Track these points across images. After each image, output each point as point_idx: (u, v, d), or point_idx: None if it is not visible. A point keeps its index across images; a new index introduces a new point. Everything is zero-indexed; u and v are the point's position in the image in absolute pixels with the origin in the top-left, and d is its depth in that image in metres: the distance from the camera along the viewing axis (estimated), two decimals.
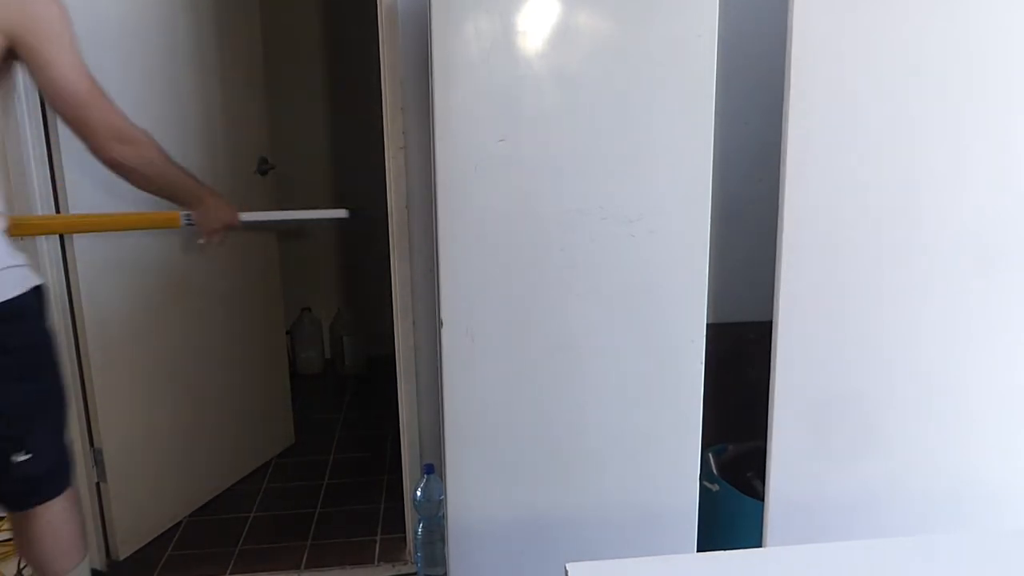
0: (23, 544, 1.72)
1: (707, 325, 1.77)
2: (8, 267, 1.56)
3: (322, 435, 3.27)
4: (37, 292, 1.62)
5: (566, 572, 1.05)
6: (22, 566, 2.34)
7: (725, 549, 1.16)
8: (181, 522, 2.59)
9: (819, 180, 1.66)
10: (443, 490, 1.83)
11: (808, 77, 1.62)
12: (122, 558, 2.38)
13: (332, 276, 4.20)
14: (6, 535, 2.49)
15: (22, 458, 1.60)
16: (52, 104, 1.64)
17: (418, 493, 2.23)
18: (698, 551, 1.86)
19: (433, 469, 2.22)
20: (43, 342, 1.66)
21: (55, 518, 1.70)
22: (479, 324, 1.73)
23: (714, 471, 2.14)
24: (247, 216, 2.12)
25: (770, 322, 1.73)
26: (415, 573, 2.30)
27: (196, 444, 2.64)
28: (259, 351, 2.94)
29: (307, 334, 4.01)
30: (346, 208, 2.26)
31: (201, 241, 2.05)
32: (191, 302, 2.58)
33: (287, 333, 3.62)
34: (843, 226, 1.69)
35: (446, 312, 1.72)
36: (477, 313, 1.72)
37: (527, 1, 1.62)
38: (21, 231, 1.91)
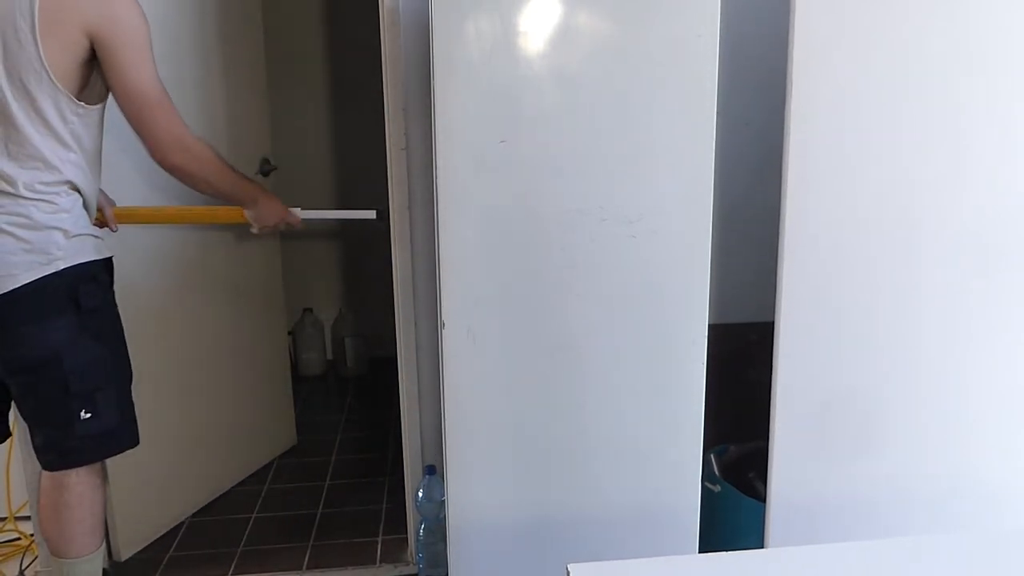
0: (51, 517, 1.80)
1: (709, 326, 1.77)
2: (88, 234, 1.75)
3: (324, 436, 3.27)
4: (108, 264, 1.81)
5: (568, 573, 1.06)
6: (24, 567, 2.34)
7: (727, 550, 1.16)
8: (183, 523, 2.59)
9: (821, 180, 1.67)
10: (444, 491, 1.83)
11: (810, 77, 1.62)
12: (124, 559, 2.39)
13: (334, 277, 4.20)
14: (9, 536, 2.49)
15: (85, 416, 1.73)
16: (121, 106, 1.73)
17: (419, 494, 2.23)
18: (700, 552, 1.86)
19: (434, 470, 2.22)
20: (110, 310, 1.82)
21: (89, 491, 1.80)
22: (480, 325, 1.73)
23: (716, 472, 2.14)
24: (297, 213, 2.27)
25: (772, 323, 1.73)
26: (417, 574, 2.30)
27: (198, 445, 2.64)
28: (261, 352, 2.94)
29: (309, 335, 4.01)
30: (374, 209, 2.33)
31: (254, 231, 2.20)
32: (192, 303, 2.58)
33: (289, 334, 3.62)
34: (844, 227, 1.69)
35: (447, 313, 1.72)
36: (478, 314, 1.72)
37: (528, 2, 1.62)
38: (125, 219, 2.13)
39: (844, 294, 1.72)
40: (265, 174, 2.86)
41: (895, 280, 1.72)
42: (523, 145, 1.67)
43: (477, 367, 1.75)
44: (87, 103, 1.69)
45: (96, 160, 1.78)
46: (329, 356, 4.15)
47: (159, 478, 2.49)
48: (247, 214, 2.12)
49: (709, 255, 1.74)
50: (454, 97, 1.64)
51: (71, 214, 1.70)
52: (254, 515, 2.64)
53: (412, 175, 2.16)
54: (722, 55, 1.66)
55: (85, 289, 1.72)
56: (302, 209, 2.34)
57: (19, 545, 2.45)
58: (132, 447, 1.87)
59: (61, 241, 1.68)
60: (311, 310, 4.02)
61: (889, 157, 1.67)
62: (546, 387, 1.78)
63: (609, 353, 1.77)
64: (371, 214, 2.33)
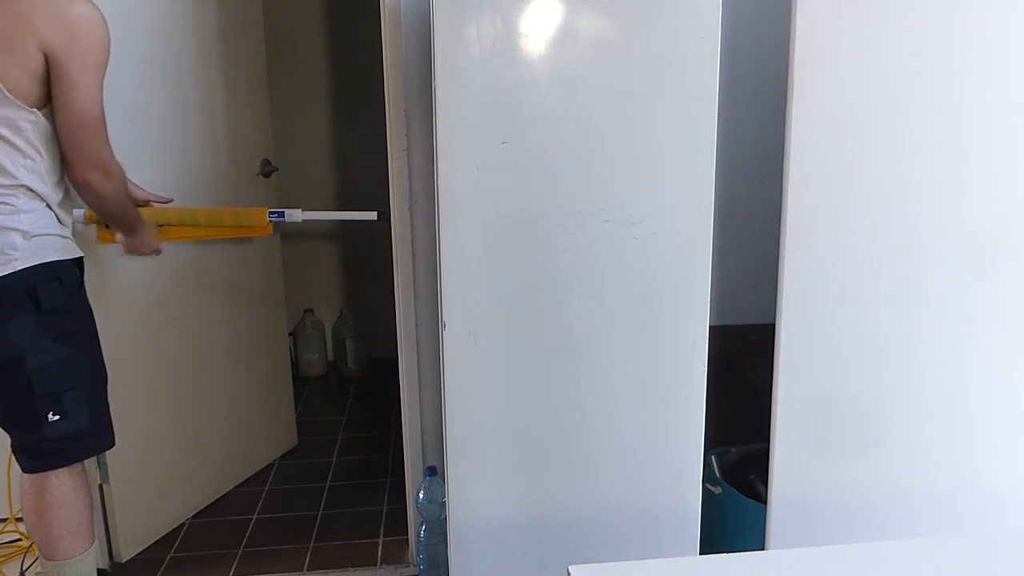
0: (35, 520, 1.80)
1: (710, 327, 1.77)
2: (52, 234, 1.73)
3: (324, 437, 3.27)
4: (78, 264, 1.80)
5: (568, 574, 1.06)
6: (24, 568, 2.34)
7: (727, 552, 1.16)
8: (184, 524, 2.59)
9: (821, 182, 1.67)
10: (445, 492, 1.83)
11: (811, 79, 1.62)
12: (125, 560, 2.39)
13: (335, 278, 4.20)
14: (10, 536, 2.49)
15: (53, 418, 1.72)
16: (58, 118, 1.70)
17: (420, 495, 2.23)
18: (700, 554, 1.86)
19: (435, 471, 2.22)
20: (79, 310, 1.80)
21: (70, 493, 1.80)
22: (481, 326, 1.73)
23: (716, 473, 2.14)
24: (290, 215, 2.30)
25: (773, 324, 1.73)
26: (417, 575, 2.30)
27: (199, 446, 2.64)
28: (262, 353, 2.94)
29: (310, 336, 4.01)
30: (375, 211, 2.33)
31: (123, 252, 2.15)
32: (193, 304, 2.58)
33: (289, 335, 3.62)
34: (845, 228, 1.69)
35: (448, 314, 1.72)
36: (479, 315, 1.72)
37: (529, 3, 1.62)
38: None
39: (845, 295, 1.72)
40: (266, 175, 2.86)
41: (896, 281, 1.72)
42: (524, 146, 1.67)
43: (478, 368, 1.75)
44: (43, 113, 1.68)
45: (57, 163, 1.76)
46: (330, 357, 4.15)
47: (160, 479, 2.49)
48: (119, 238, 2.08)
49: (710, 257, 1.74)
50: (455, 98, 1.64)
51: (30, 215, 1.70)
52: (255, 516, 2.64)
53: (413, 176, 2.16)
54: (723, 57, 1.66)
55: (46, 289, 1.71)
56: (303, 210, 2.34)
57: (20, 546, 2.45)
58: (106, 449, 1.88)
59: (18, 242, 1.67)
60: (312, 311, 4.03)
61: (889, 158, 1.67)
62: (547, 388, 1.78)
63: (610, 354, 1.77)
64: (372, 215, 2.33)
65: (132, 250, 2.13)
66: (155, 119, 2.38)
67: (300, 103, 3.92)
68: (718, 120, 1.69)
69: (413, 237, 2.19)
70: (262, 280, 2.94)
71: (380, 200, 2.30)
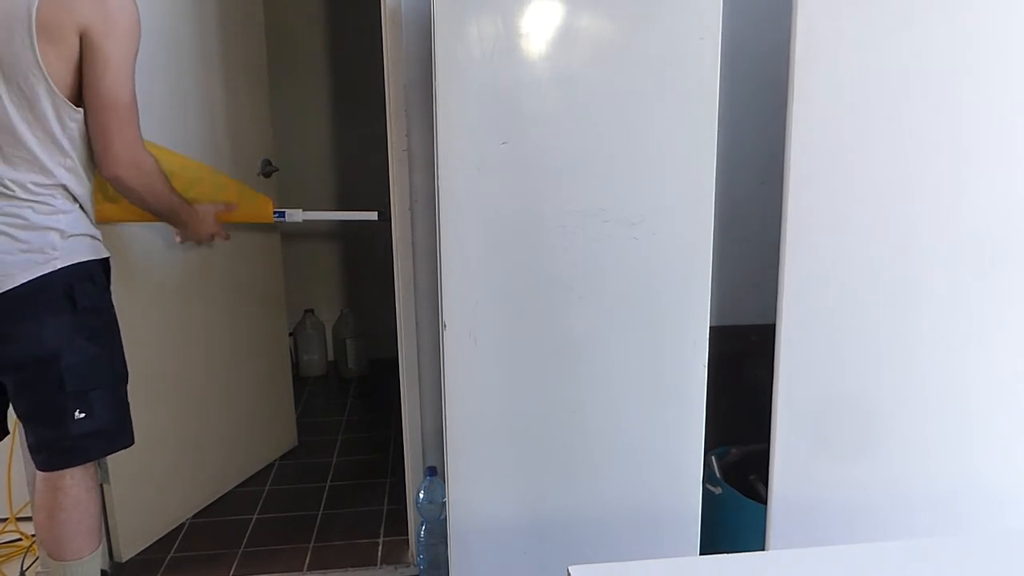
0: (46, 519, 1.80)
1: (710, 327, 1.77)
2: (85, 234, 1.75)
3: (325, 437, 3.27)
4: (106, 264, 1.81)
5: (568, 574, 1.06)
6: (24, 568, 2.34)
7: (727, 552, 1.16)
8: (184, 524, 2.59)
9: (822, 182, 1.67)
10: (446, 492, 1.83)
11: (811, 79, 1.62)
12: (125, 560, 2.39)
13: (335, 278, 4.20)
14: (10, 536, 2.49)
15: (80, 416, 1.73)
16: (88, 106, 1.69)
17: (420, 495, 2.23)
18: (700, 554, 1.86)
19: (435, 471, 2.22)
20: (107, 310, 1.82)
21: (83, 493, 1.80)
22: (481, 326, 1.73)
23: (717, 474, 2.14)
24: (291, 215, 2.32)
25: (773, 324, 1.73)
26: (417, 575, 2.30)
27: (199, 446, 2.64)
28: (262, 353, 2.94)
29: (310, 336, 4.01)
30: (376, 211, 2.34)
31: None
32: (193, 303, 2.58)
33: (290, 335, 3.62)
34: (846, 228, 1.69)
35: (448, 314, 1.72)
36: (479, 315, 1.72)
37: (530, 3, 1.62)
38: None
39: (845, 295, 1.72)
40: (267, 175, 2.86)
41: (896, 281, 1.72)
42: (525, 146, 1.67)
43: (478, 368, 1.75)
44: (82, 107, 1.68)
45: (91, 163, 1.77)
46: (330, 357, 4.15)
47: (160, 479, 2.49)
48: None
49: (710, 257, 1.74)
50: (456, 98, 1.64)
51: (68, 215, 1.71)
52: (255, 516, 2.64)
53: (414, 176, 2.16)
54: (723, 57, 1.66)
55: (81, 288, 1.72)
56: (303, 210, 2.34)
57: (20, 546, 2.45)
58: (127, 447, 1.87)
59: (57, 241, 1.68)
60: (312, 311, 4.03)
61: (889, 158, 1.67)
62: (547, 388, 1.78)
63: (610, 355, 1.77)
64: (373, 215, 2.33)
65: (186, 239, 2.15)
66: (155, 119, 2.36)
67: (300, 103, 3.92)
68: (718, 120, 1.69)
69: (413, 237, 2.19)
70: (262, 280, 2.94)
71: (380, 200, 2.30)
